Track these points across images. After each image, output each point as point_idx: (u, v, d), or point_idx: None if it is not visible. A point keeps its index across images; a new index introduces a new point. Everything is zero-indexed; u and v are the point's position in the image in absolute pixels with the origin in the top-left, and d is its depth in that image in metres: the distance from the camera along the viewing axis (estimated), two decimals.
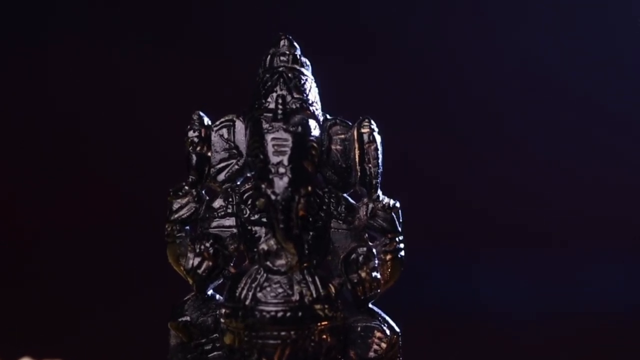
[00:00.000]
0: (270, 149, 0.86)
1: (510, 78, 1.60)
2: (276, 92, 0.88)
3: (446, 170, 1.57)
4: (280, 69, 0.89)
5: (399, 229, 0.91)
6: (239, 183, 0.92)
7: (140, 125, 1.55)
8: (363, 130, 0.91)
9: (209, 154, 0.91)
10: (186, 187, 0.91)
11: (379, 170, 0.90)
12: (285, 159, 0.85)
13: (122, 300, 1.44)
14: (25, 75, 1.57)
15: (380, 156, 0.90)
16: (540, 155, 1.61)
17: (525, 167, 1.60)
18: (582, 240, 1.58)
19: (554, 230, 1.59)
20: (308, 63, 0.91)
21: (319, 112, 0.90)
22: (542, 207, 1.60)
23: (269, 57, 0.90)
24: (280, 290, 0.87)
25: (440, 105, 1.60)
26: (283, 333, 0.86)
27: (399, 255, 0.90)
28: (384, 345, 0.89)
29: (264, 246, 0.87)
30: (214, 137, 0.91)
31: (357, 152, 0.91)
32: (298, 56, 0.91)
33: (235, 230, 0.90)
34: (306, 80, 0.89)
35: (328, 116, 0.91)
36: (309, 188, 0.86)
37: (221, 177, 0.92)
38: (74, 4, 1.58)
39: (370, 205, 0.90)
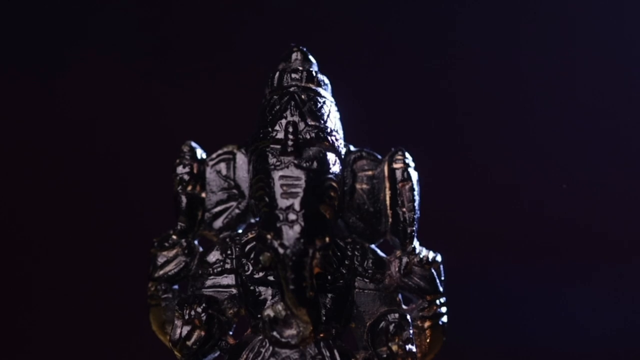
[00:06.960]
0: (278, 189, 0.77)
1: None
2: (286, 117, 0.79)
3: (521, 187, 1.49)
4: (292, 89, 0.81)
5: (440, 289, 0.83)
6: (240, 232, 0.84)
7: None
8: (395, 166, 0.83)
9: (203, 194, 0.84)
10: (174, 237, 0.84)
11: (416, 216, 0.83)
12: (296, 203, 0.76)
13: None
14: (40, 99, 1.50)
15: (417, 198, 0.83)
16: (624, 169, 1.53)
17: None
18: None
19: None
20: (327, 81, 0.83)
21: (339, 143, 0.81)
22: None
23: (278, 74, 0.82)
24: None
25: (488, 126, 1.51)
26: None
27: (440, 322, 0.83)
28: None
29: (270, 312, 0.79)
30: (210, 173, 0.84)
31: (388, 192, 0.83)
32: (314, 73, 0.82)
33: (234, 290, 0.83)
34: (324, 103, 0.81)
35: (352, 147, 0.84)
36: (327, 239, 0.77)
37: (218, 223, 0.84)
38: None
39: (405, 260, 0.82)
